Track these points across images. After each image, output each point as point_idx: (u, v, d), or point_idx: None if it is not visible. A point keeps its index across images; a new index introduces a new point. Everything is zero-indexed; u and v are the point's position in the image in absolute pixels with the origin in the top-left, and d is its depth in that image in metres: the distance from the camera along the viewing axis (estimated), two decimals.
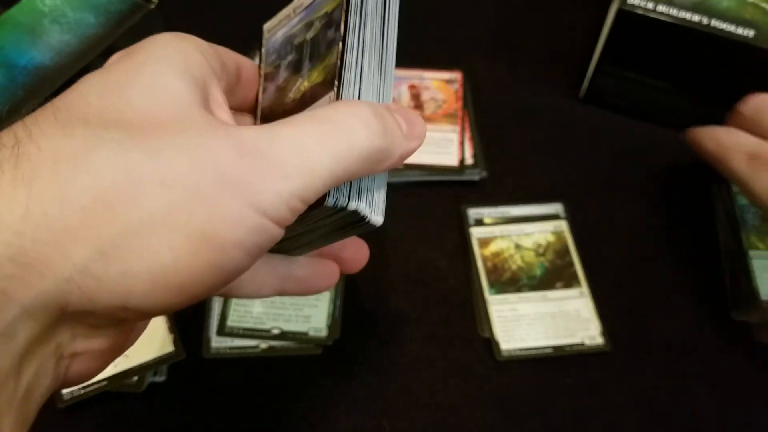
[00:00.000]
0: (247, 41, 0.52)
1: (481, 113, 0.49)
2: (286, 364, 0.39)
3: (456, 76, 0.51)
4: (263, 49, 0.28)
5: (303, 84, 0.25)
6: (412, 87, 0.50)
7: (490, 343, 0.39)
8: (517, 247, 0.43)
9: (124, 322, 0.21)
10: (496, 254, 0.43)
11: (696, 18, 0.42)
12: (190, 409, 0.37)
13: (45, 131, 0.18)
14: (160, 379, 0.38)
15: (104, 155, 0.18)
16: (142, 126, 0.19)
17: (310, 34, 0.25)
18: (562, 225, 0.44)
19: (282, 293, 0.27)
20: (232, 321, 0.40)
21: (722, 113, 0.46)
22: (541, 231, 0.44)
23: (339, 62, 0.23)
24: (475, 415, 0.37)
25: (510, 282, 0.42)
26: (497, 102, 0.50)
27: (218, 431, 0.37)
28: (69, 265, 0.17)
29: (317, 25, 0.25)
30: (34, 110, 0.20)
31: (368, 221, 0.23)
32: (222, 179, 0.19)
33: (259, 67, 0.27)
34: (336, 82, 0.23)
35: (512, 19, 0.56)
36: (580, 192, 0.45)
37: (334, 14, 0.24)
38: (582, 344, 0.39)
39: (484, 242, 0.43)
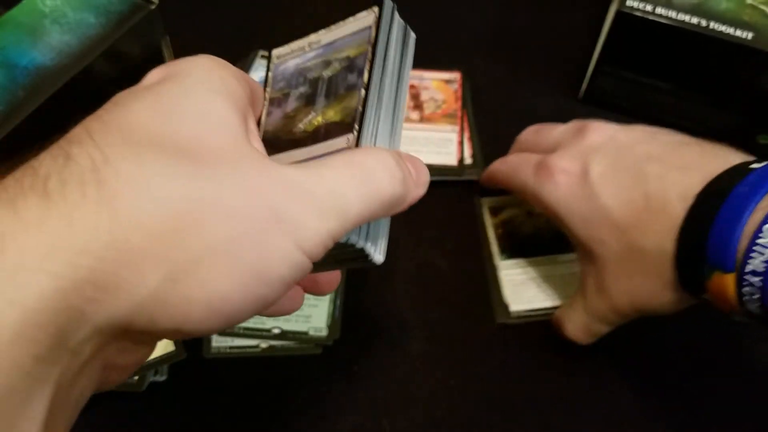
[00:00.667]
0: (246, 41, 0.52)
1: (480, 113, 0.49)
2: (286, 364, 0.39)
3: (455, 76, 0.51)
4: (270, 74, 0.29)
5: (316, 119, 0.26)
6: (411, 87, 0.50)
7: (490, 342, 0.39)
8: (529, 214, 0.44)
9: (159, 340, 0.22)
10: (507, 221, 0.43)
11: (695, 20, 0.43)
12: (190, 409, 0.38)
13: (120, 155, 0.19)
14: (161, 378, 0.38)
15: (176, 185, 0.19)
16: (204, 156, 0.20)
17: (327, 72, 0.27)
18: None
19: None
20: None
21: (721, 114, 0.47)
22: None
23: (361, 108, 0.24)
24: (475, 415, 0.37)
25: (521, 247, 0.42)
26: (496, 102, 0.50)
27: (218, 431, 0.37)
28: (143, 290, 0.18)
29: (336, 65, 0.27)
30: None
31: (370, 259, 0.25)
32: (273, 216, 0.20)
33: (265, 89, 0.28)
34: (357, 127, 0.24)
35: (512, 19, 0.56)
36: None
37: (357, 61, 0.26)
38: None
39: (495, 210, 0.44)
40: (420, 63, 0.51)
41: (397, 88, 0.26)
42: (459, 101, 0.49)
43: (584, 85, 0.50)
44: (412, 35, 0.27)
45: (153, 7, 0.42)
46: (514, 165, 0.39)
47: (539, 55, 0.53)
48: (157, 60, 0.45)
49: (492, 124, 0.49)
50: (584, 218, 0.34)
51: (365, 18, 0.26)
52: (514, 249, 0.42)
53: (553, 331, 0.38)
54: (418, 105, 0.49)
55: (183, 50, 0.47)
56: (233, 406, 0.38)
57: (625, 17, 0.44)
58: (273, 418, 0.37)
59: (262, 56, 0.50)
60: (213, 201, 0.19)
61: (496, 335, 0.40)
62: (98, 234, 0.18)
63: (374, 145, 0.25)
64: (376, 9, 0.26)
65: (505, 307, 0.40)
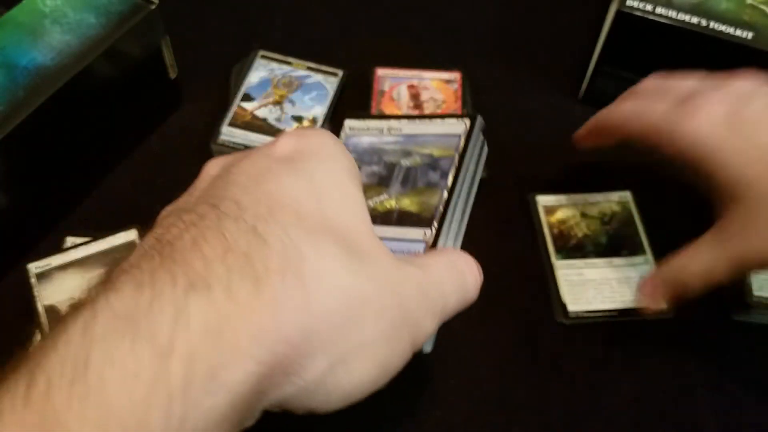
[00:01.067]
0: (246, 41, 0.52)
1: (480, 113, 0.49)
2: None
3: (455, 76, 0.51)
4: (342, 142, 0.31)
5: (389, 201, 0.28)
6: (411, 87, 0.50)
7: (490, 342, 0.39)
8: (583, 215, 0.44)
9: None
10: (562, 222, 0.44)
11: (695, 20, 0.43)
12: None
13: (302, 239, 0.20)
14: None
15: (348, 278, 0.21)
16: (358, 247, 0.22)
17: (406, 162, 0.30)
18: (627, 196, 0.45)
19: None
20: None
21: None
22: (606, 200, 0.44)
23: (443, 210, 0.27)
24: (475, 415, 0.37)
25: (576, 248, 0.42)
26: (496, 102, 0.50)
27: None
28: (309, 376, 0.20)
29: (417, 159, 0.29)
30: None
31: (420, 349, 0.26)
32: (403, 317, 0.22)
33: None
34: (436, 225, 0.27)
35: (512, 19, 0.56)
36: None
37: (441, 162, 0.29)
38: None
39: (550, 210, 0.44)
40: (420, 63, 0.51)
41: (469, 193, 0.29)
42: (459, 101, 0.49)
43: (584, 85, 0.50)
44: (486, 148, 0.30)
45: (153, 7, 0.42)
46: (641, 106, 0.37)
47: (539, 55, 0.53)
48: (157, 60, 0.45)
49: (491, 124, 0.49)
50: (736, 156, 0.33)
51: (455, 125, 0.30)
52: (569, 250, 0.42)
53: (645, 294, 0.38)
54: (418, 105, 0.49)
55: (183, 50, 0.47)
56: None
57: (625, 17, 0.44)
58: (273, 417, 0.37)
59: (262, 56, 0.50)
60: (370, 297, 0.21)
61: (495, 335, 0.40)
62: (295, 322, 0.19)
63: (446, 243, 0.27)
64: (467, 121, 0.29)
65: (563, 307, 0.40)
